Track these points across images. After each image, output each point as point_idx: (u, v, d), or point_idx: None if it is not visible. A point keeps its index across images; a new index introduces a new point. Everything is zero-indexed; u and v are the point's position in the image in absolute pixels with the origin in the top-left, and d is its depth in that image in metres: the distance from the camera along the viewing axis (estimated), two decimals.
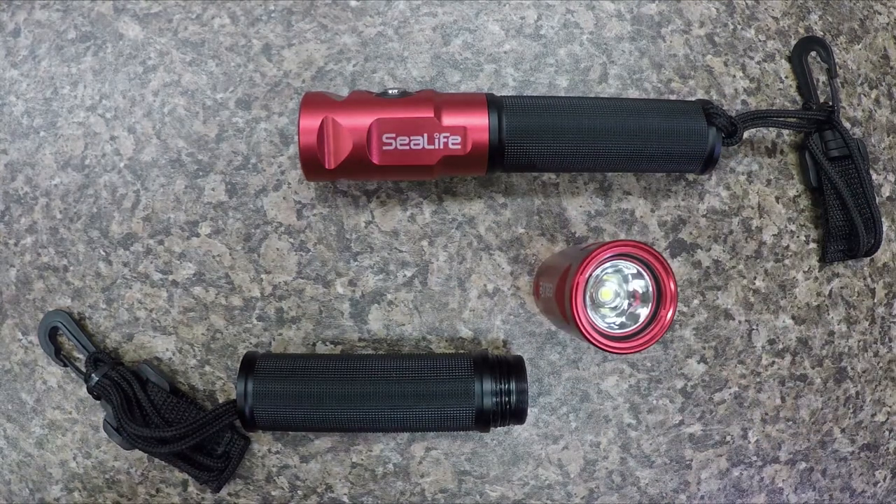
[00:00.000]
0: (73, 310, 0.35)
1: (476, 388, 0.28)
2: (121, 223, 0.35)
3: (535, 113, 0.31)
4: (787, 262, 0.37)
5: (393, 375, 0.28)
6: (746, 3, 0.38)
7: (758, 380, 0.37)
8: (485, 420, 0.28)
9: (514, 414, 0.28)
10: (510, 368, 0.29)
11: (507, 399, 0.28)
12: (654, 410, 0.36)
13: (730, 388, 0.37)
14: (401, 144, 0.30)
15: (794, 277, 0.37)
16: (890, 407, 0.39)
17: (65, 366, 0.35)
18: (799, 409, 0.37)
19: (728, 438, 0.37)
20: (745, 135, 0.36)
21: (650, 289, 0.28)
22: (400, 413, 0.28)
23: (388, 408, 0.28)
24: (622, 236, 0.36)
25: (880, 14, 0.39)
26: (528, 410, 0.34)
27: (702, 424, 0.37)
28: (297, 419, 0.29)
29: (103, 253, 0.35)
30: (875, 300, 0.38)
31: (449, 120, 0.30)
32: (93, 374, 0.33)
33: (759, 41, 0.38)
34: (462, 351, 0.35)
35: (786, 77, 0.38)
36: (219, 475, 0.34)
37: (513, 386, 0.28)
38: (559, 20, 0.36)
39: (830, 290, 0.38)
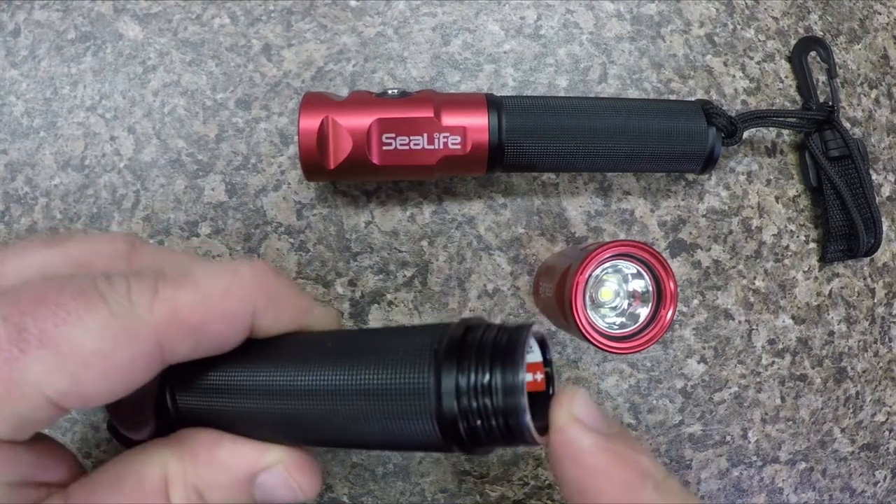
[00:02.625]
0: None
1: (432, 383, 0.16)
2: (121, 223, 0.35)
3: (534, 113, 0.31)
4: (786, 262, 0.37)
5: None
6: (746, 3, 0.38)
7: (758, 380, 0.37)
8: (455, 435, 0.16)
9: (506, 427, 0.16)
10: (495, 352, 0.16)
11: (487, 402, 0.16)
12: (654, 410, 0.36)
13: (730, 388, 0.37)
14: (401, 144, 0.30)
15: (794, 277, 0.37)
16: (890, 407, 0.39)
17: None
18: (799, 409, 0.37)
19: (728, 438, 0.37)
20: (745, 135, 0.36)
21: (650, 289, 0.28)
22: (327, 414, 0.18)
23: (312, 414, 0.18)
24: (622, 236, 0.36)
25: (880, 14, 0.39)
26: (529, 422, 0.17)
27: (702, 424, 0.37)
28: None
29: None
30: (875, 300, 0.38)
31: (449, 120, 0.30)
32: None
33: (759, 41, 0.38)
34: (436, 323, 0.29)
35: (786, 77, 0.38)
36: None
37: (497, 380, 0.16)
38: (559, 20, 0.36)
39: (830, 290, 0.38)
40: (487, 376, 0.16)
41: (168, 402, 0.19)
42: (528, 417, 0.16)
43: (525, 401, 0.16)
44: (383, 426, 0.17)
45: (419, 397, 0.16)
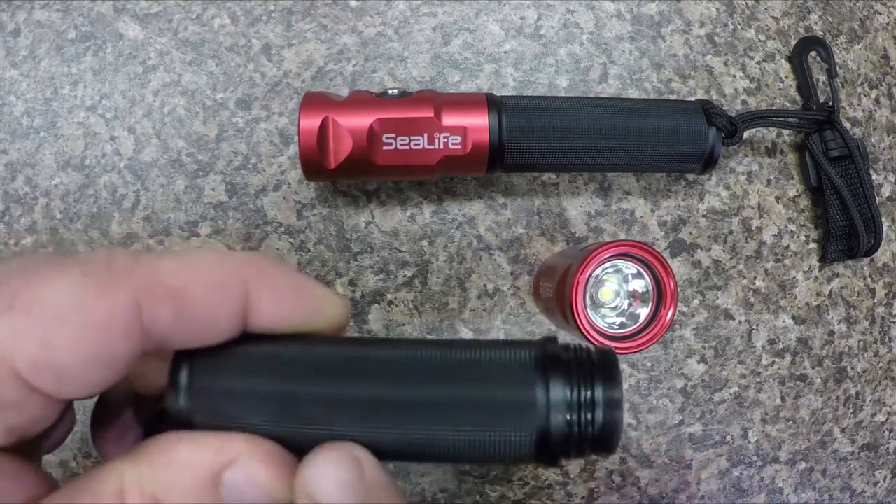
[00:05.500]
0: None
1: (540, 398, 0.17)
2: (121, 223, 0.35)
3: (535, 113, 0.31)
4: (787, 262, 0.37)
5: (413, 375, 0.18)
6: (746, 3, 0.38)
7: (758, 380, 0.37)
8: (551, 447, 0.17)
9: (600, 439, 0.17)
10: (594, 368, 0.18)
11: (588, 416, 0.17)
12: (654, 410, 0.36)
13: (730, 388, 0.37)
14: (401, 144, 0.30)
15: (794, 277, 0.37)
16: (890, 407, 0.39)
17: None
18: (799, 409, 0.37)
19: (728, 438, 0.37)
20: (745, 135, 0.36)
21: (650, 289, 0.28)
22: (420, 434, 0.17)
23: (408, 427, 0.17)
24: (622, 236, 0.36)
25: (880, 14, 0.39)
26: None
27: (702, 424, 0.37)
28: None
29: None
30: (875, 300, 0.38)
31: (449, 120, 0.30)
32: None
33: (759, 41, 0.38)
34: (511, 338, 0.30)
35: (786, 77, 0.38)
36: None
37: (599, 394, 0.17)
38: (559, 20, 0.36)
39: (830, 290, 0.38)
40: (590, 391, 0.17)
41: (181, 406, 0.17)
42: (622, 428, 0.18)
43: (622, 413, 0.17)
44: (466, 441, 0.17)
45: (522, 411, 0.17)
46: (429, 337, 0.32)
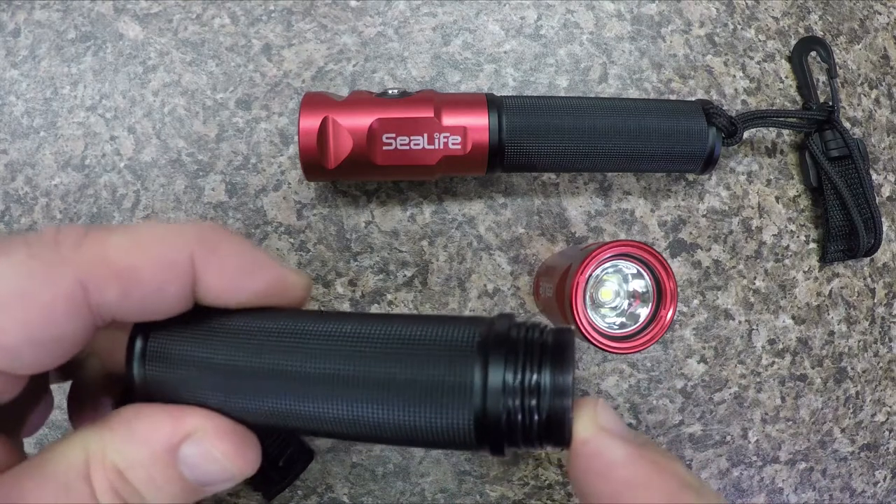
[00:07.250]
0: None
1: (476, 380, 0.15)
2: (121, 223, 0.35)
3: (535, 113, 0.31)
4: (787, 262, 0.37)
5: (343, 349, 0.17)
6: (746, 3, 0.38)
7: (758, 380, 0.37)
8: (491, 435, 0.16)
9: (547, 428, 0.16)
10: (544, 350, 0.16)
11: (532, 403, 0.15)
12: (654, 410, 0.36)
13: (730, 388, 0.37)
14: (401, 144, 0.30)
15: (794, 277, 0.37)
16: (890, 407, 0.39)
17: None
18: (799, 409, 0.37)
19: (728, 438, 0.37)
20: (745, 135, 0.36)
21: (650, 289, 0.28)
22: (351, 412, 0.16)
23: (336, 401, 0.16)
24: (622, 236, 0.36)
25: (880, 14, 0.39)
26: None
27: (702, 424, 0.37)
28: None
29: None
30: (875, 300, 0.38)
31: (449, 120, 0.30)
32: None
33: (759, 41, 0.38)
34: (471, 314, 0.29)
35: (786, 77, 0.38)
36: (275, 485, 0.33)
37: (545, 379, 0.16)
38: (559, 20, 0.36)
39: (830, 290, 0.38)
40: (536, 375, 0.15)
41: (136, 377, 0.17)
42: (571, 417, 0.15)
43: (571, 402, 0.15)
44: (402, 422, 0.16)
45: (458, 394, 0.15)
46: (390, 312, 0.30)
